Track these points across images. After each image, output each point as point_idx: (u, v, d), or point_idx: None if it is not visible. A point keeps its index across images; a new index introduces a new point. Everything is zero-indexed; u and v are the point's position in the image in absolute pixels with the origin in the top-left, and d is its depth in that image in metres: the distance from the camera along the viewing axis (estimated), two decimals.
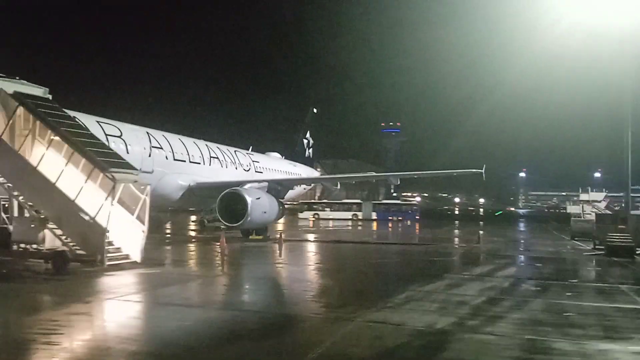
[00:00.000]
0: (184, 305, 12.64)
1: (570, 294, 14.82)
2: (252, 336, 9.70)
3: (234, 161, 37.89)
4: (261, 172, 40.73)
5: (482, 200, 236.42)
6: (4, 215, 19.58)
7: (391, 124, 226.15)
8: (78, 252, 17.29)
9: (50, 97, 20.16)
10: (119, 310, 12.04)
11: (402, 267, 22.06)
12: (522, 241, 39.06)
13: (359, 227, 55.64)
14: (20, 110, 18.83)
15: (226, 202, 29.57)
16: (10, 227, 18.54)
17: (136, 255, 18.03)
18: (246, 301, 14.08)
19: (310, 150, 54.02)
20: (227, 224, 29.92)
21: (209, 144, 36.34)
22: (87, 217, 17.18)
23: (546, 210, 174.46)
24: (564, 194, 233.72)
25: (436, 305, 12.51)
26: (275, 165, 44.53)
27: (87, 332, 10.19)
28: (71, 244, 17.41)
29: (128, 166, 19.12)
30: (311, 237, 38.21)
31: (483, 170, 35.51)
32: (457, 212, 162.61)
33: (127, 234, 18.12)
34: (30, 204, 18.20)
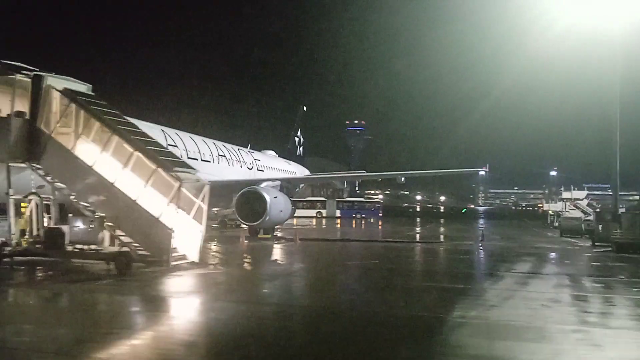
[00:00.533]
0: (288, 305, 12.73)
1: None
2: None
3: (239, 159, 37.74)
4: (262, 171, 40.67)
5: (442, 198, 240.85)
6: (47, 216, 19.18)
7: (356, 122, 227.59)
8: (140, 252, 17.09)
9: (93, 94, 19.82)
10: (232, 313, 12.01)
11: (449, 266, 22.22)
12: (517, 239, 40.05)
13: (323, 226, 56.41)
14: (72, 107, 18.44)
15: (244, 200, 29.52)
16: (64, 227, 18.17)
17: (194, 256, 17.91)
18: (342, 300, 14.01)
19: (301, 148, 54.15)
20: (245, 222, 29.91)
21: (216, 142, 36.12)
22: (150, 218, 16.97)
23: (513, 208, 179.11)
24: (521, 191, 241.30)
25: (538, 303, 12.91)
26: (273, 164, 44.53)
27: (216, 333, 10.15)
28: (132, 244, 17.19)
29: (186, 165, 19.00)
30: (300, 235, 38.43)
31: (487, 169, 36.49)
32: (418, 210, 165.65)
33: (183, 233, 17.98)
34: (85, 204, 17.88)
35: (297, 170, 49.28)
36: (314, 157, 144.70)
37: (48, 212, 19.28)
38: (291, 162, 49.53)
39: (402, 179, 40.07)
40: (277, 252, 25.29)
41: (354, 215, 78.97)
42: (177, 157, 19.49)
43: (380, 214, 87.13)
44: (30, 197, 19.02)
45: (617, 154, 40.79)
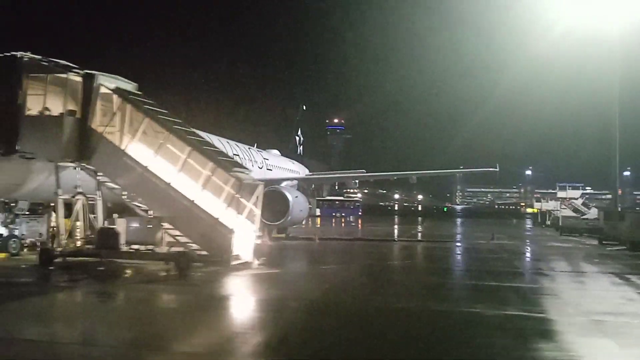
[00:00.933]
0: (376, 306, 12.85)
1: None
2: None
3: (251, 159, 37.61)
4: (271, 170, 40.59)
5: (420, 197, 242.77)
6: (91, 216, 19.02)
7: (335, 121, 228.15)
8: (199, 252, 17.06)
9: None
10: (327, 312, 12.09)
11: (492, 265, 22.07)
12: (522, 237, 40.59)
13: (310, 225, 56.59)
14: (124, 106, 18.28)
15: (267, 200, 29.47)
16: (118, 228, 18.03)
17: (248, 256, 17.93)
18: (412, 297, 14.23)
19: (301, 147, 54.20)
20: (267, 222, 29.90)
21: (230, 141, 35.98)
22: (210, 218, 16.94)
23: (496, 206, 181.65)
24: (497, 190, 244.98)
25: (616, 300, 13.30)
26: (280, 163, 44.47)
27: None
28: (190, 244, 17.14)
29: (241, 165, 19.00)
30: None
31: (497, 169, 37.14)
32: (396, 208, 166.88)
33: (239, 234, 17.98)
34: (139, 204, 17.78)
35: (300, 170, 49.25)
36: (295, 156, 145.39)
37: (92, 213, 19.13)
38: (294, 162, 49.51)
39: (415, 178, 40.34)
40: (310, 252, 25.41)
41: (334, 214, 78.86)
42: (230, 157, 19.45)
43: (360, 213, 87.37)
44: (77, 197, 18.86)
45: (616, 155, 41.88)
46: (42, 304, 12.58)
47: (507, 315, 11.48)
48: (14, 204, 20.60)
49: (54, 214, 19.53)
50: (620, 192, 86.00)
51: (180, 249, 17.10)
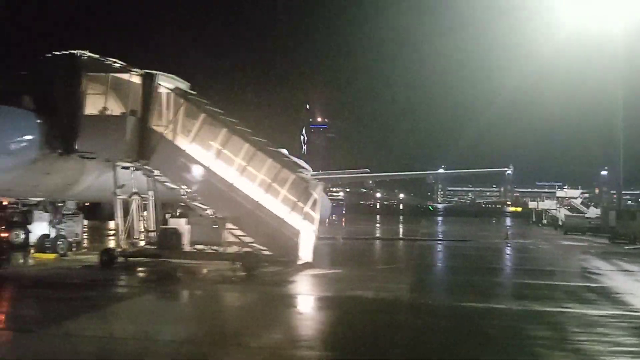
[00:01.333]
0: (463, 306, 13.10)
1: None
2: None
3: None
4: None
5: (401, 196, 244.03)
6: (138, 216, 18.96)
7: (319, 120, 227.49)
8: (264, 252, 17.11)
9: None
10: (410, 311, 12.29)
11: (539, 264, 22.72)
12: (532, 236, 41.12)
13: None
14: (185, 106, 18.23)
15: None
16: (181, 228, 17.98)
17: (308, 256, 18.01)
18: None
19: (305, 146, 54.36)
20: None
21: None
22: (277, 218, 17.00)
23: (483, 205, 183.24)
24: (478, 189, 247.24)
25: None
26: None
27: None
28: (255, 244, 17.18)
29: (302, 166, 19.05)
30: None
31: (511, 170, 37.82)
32: (378, 207, 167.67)
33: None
34: (201, 204, 17.74)
35: (307, 169, 49.43)
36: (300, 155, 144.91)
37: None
38: (301, 161, 49.58)
39: (432, 178, 40.70)
40: (347, 251, 25.51)
41: None
42: (290, 158, 19.52)
43: (344, 211, 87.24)
44: (133, 197, 18.79)
45: (620, 154, 42.79)
46: (131, 305, 12.69)
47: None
48: (61, 204, 20.48)
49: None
50: (597, 190, 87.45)
51: (245, 249, 17.13)
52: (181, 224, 18.22)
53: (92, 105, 17.93)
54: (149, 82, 18.03)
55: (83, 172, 18.15)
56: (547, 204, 60.69)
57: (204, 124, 18.10)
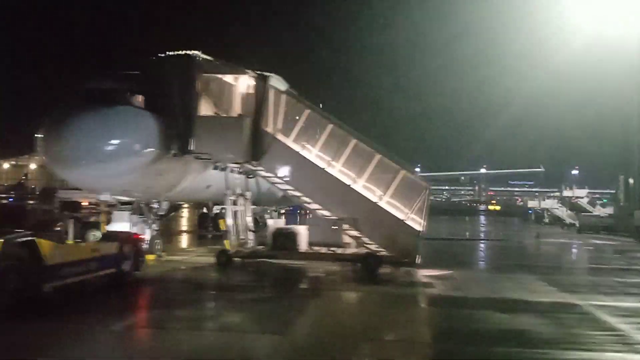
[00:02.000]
0: None
1: None
2: None
3: None
4: None
5: None
6: (244, 217, 19.06)
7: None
8: (384, 254, 17.33)
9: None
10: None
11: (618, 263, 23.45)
12: (551, 235, 42.10)
13: None
14: (299, 108, 18.34)
15: None
16: (299, 228, 18.12)
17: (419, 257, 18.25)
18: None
19: None
20: None
21: None
22: (397, 220, 17.23)
23: (468, 205, 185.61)
24: (452, 188, 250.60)
25: None
26: None
27: None
28: (374, 245, 17.39)
29: (409, 166, 19.24)
30: None
31: (542, 169, 38.84)
32: None
33: None
34: (317, 206, 17.87)
35: None
36: None
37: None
38: None
39: (462, 178, 41.35)
40: (445, 251, 25.75)
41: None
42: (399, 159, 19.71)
43: None
44: (238, 198, 18.88)
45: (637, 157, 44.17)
46: (312, 305, 12.75)
47: None
48: (157, 206, 20.38)
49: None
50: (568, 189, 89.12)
51: (365, 250, 17.34)
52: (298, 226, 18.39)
53: (207, 106, 17.96)
54: (262, 83, 18.11)
55: (186, 173, 18.17)
56: (549, 203, 62.13)
57: (320, 126, 18.19)
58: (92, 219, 20.51)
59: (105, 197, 17.24)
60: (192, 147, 17.43)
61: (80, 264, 12.22)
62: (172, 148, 16.98)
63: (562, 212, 56.28)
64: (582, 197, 56.93)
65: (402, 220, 17.25)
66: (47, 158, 15.51)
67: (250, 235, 18.93)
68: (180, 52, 17.49)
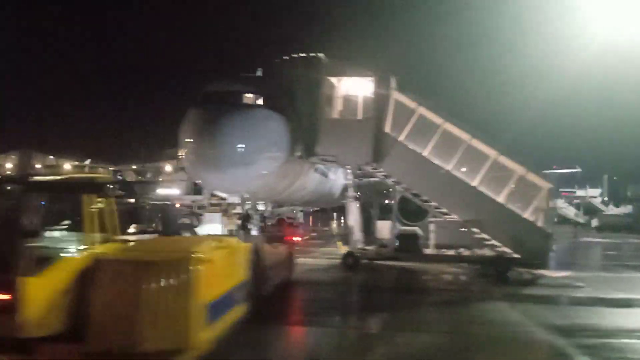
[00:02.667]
0: None
1: None
2: None
3: None
4: None
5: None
6: (360, 219, 18.94)
7: None
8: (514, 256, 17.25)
9: None
10: None
11: None
12: (588, 237, 42.55)
13: None
14: (420, 110, 18.18)
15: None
16: (418, 230, 18.02)
17: None
18: None
19: None
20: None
21: None
22: (525, 221, 17.20)
23: None
24: None
25: None
26: None
27: None
28: (500, 247, 17.35)
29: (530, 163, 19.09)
30: None
31: (579, 170, 39.44)
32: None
33: None
34: (441, 207, 17.78)
35: None
36: None
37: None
38: None
39: None
40: None
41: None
42: None
43: (312, 211, 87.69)
44: (350, 200, 18.80)
45: None
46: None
47: None
48: (262, 207, 20.15)
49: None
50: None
51: (493, 252, 17.27)
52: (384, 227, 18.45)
53: (331, 108, 17.81)
54: (384, 85, 17.96)
55: (300, 175, 17.99)
56: (558, 203, 62.95)
57: (423, 122, 17.95)
58: (187, 220, 20.34)
59: (234, 198, 16.96)
60: (317, 149, 17.32)
61: (277, 266, 12.09)
62: (297, 150, 16.80)
63: (570, 212, 57.01)
64: (595, 197, 57.84)
65: (532, 221, 17.21)
66: (192, 160, 15.24)
67: (363, 237, 18.77)
68: (306, 54, 17.35)
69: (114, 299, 6.71)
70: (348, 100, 18.01)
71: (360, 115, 17.85)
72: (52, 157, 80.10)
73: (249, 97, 15.98)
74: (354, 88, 18.11)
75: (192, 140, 14.99)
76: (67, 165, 69.95)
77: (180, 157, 16.54)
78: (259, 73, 17.51)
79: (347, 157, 17.60)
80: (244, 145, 15.00)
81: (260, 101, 16.06)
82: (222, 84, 16.45)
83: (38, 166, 78.35)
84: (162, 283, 6.78)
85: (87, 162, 55.66)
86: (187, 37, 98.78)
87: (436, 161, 17.70)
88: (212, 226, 20.12)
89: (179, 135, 15.32)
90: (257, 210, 19.72)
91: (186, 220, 21.38)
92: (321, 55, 17.37)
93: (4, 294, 6.44)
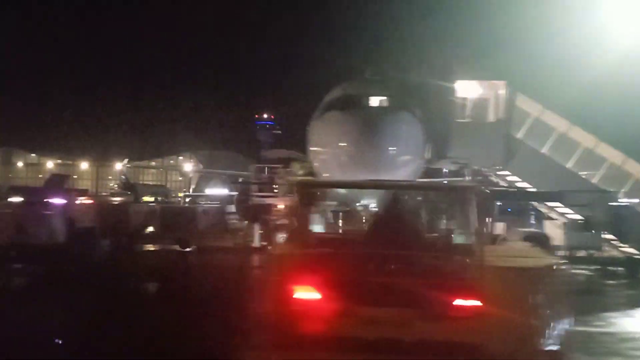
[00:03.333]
0: None
1: None
2: None
3: None
4: None
5: None
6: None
7: (265, 116, 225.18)
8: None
9: None
10: None
11: None
12: None
13: None
14: (539, 111, 18.39)
15: None
16: (548, 231, 18.16)
17: None
18: None
19: None
20: None
21: None
22: None
23: None
24: None
25: None
26: None
27: None
28: (628, 248, 17.57)
29: None
30: None
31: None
32: None
33: None
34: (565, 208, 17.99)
35: None
36: (228, 152, 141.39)
37: None
38: None
39: None
40: None
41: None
42: None
43: None
44: None
45: None
46: None
47: None
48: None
49: None
50: None
51: (623, 253, 17.51)
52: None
53: (465, 111, 17.93)
54: (507, 89, 18.12)
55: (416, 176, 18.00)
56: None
57: (540, 124, 18.28)
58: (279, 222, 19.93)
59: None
60: (450, 152, 17.37)
61: None
62: (429, 152, 16.81)
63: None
64: None
65: None
66: (337, 163, 15.12)
67: None
68: (435, 59, 17.43)
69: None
70: (476, 104, 18.09)
71: (491, 118, 17.95)
72: (33, 154, 78.72)
73: (390, 100, 15.90)
74: (479, 91, 18.22)
75: (338, 143, 14.88)
76: (50, 164, 68.64)
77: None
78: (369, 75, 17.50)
79: (481, 160, 17.61)
80: (395, 149, 14.96)
81: (399, 104, 16.02)
82: (358, 86, 16.40)
83: (20, 164, 76.79)
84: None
85: (125, 161, 54.84)
86: (182, 35, 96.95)
87: (564, 163, 17.98)
88: None
89: (310, 137, 15.34)
90: None
91: None
92: (450, 58, 17.42)
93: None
